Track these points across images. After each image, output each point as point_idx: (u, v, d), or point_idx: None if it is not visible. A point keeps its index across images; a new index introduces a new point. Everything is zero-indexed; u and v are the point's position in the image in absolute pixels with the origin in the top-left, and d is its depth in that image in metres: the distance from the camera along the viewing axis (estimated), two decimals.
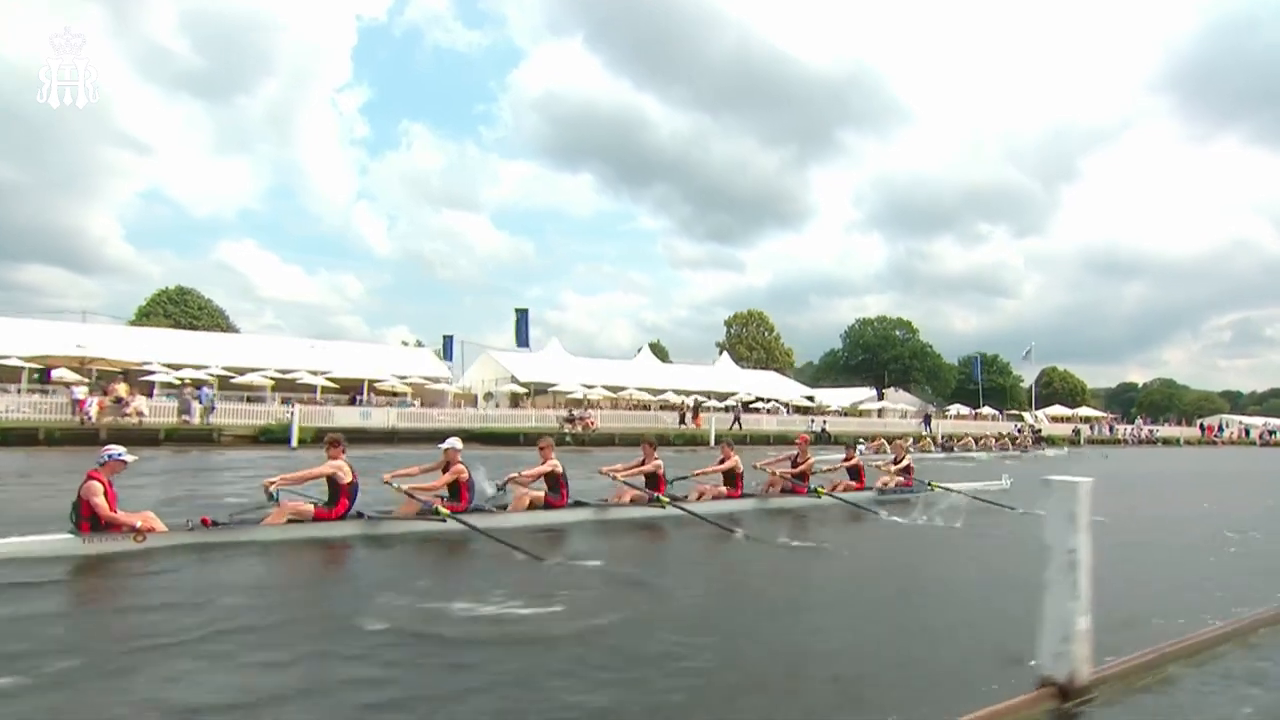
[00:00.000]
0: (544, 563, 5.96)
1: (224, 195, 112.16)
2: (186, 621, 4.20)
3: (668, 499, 8.56)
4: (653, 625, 4.51)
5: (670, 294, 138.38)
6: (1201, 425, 57.58)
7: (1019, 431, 37.31)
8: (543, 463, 7.93)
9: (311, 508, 6.68)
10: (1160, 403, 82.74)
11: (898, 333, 63.18)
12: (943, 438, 31.47)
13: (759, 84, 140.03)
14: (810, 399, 45.61)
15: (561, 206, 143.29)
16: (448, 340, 30.28)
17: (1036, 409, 56.10)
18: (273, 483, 6.50)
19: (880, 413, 44.90)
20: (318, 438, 20.81)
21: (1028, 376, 59.61)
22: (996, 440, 31.92)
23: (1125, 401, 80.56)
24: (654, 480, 8.69)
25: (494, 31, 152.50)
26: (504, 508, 7.69)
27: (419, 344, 42.19)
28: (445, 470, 7.40)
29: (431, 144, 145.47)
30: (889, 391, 59.85)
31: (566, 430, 25.08)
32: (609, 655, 3.93)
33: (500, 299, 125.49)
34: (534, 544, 6.33)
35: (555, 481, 7.99)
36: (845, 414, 41.90)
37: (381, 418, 25.04)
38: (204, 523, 6.19)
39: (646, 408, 32.68)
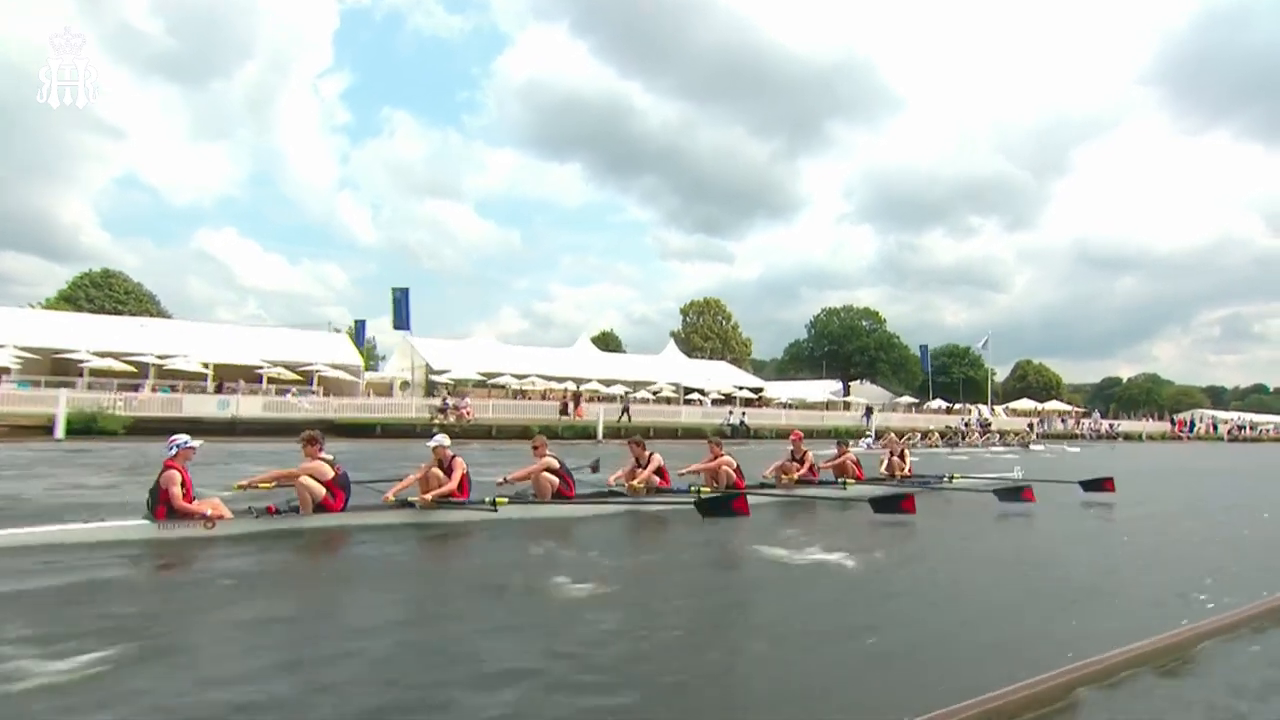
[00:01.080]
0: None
1: (203, 182, 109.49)
2: (258, 603, 4.59)
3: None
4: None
5: (659, 286, 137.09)
6: (1172, 419, 59.30)
7: (965, 425, 37.49)
8: (536, 460, 8.18)
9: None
10: (1139, 397, 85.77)
11: (864, 323, 61.40)
12: (874, 431, 31.68)
13: (747, 73, 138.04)
14: (758, 390, 45.96)
15: (549, 197, 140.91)
16: (359, 325, 28.00)
17: (1008, 402, 57.92)
18: (250, 485, 6.95)
19: (827, 405, 45.95)
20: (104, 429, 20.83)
21: (972, 368, 61.31)
22: (923, 436, 32.07)
23: (1108, 396, 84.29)
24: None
25: (477, 16, 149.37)
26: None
27: (337, 330, 39.51)
28: (442, 468, 7.66)
29: (415, 132, 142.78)
30: (856, 384, 56.95)
31: (437, 421, 22.91)
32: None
33: (487, 290, 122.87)
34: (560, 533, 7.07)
35: (556, 475, 8.31)
36: (790, 406, 42.64)
37: (247, 407, 24.64)
38: (269, 511, 6.62)
39: (533, 397, 30.21)
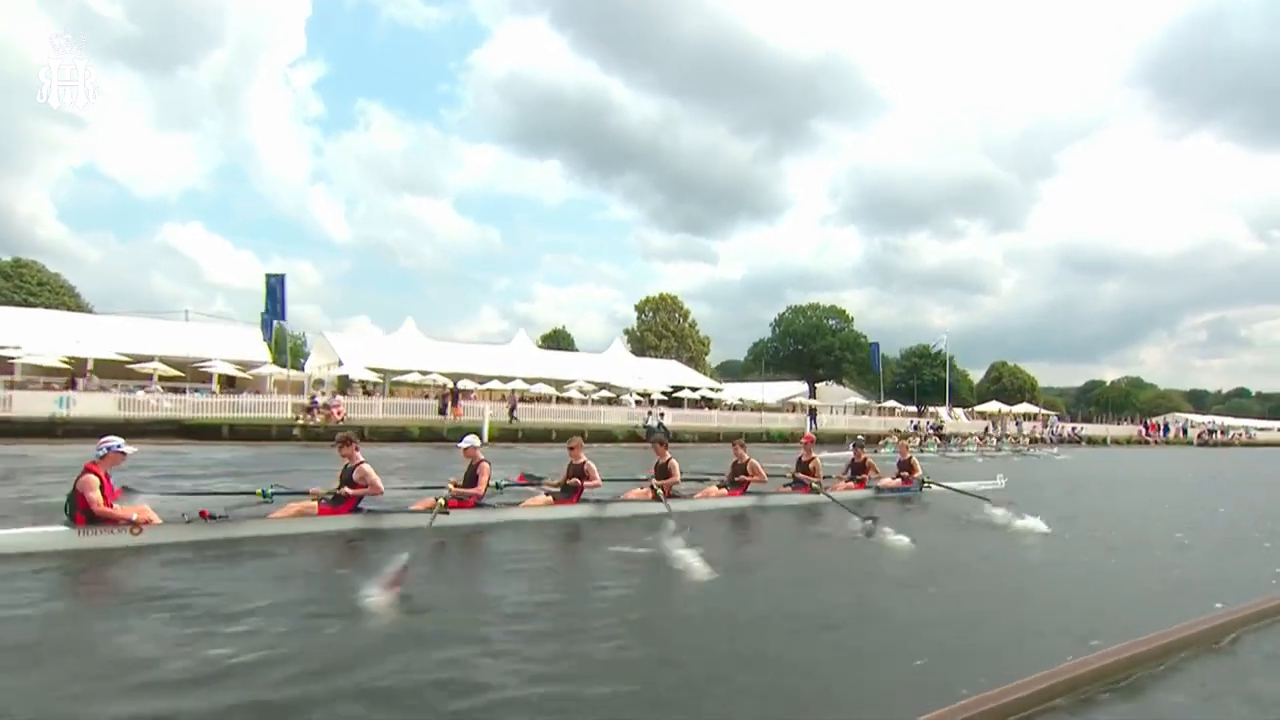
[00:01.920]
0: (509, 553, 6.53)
1: (168, 174, 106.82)
2: (185, 615, 4.38)
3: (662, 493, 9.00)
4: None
5: (643, 286, 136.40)
6: (1145, 423, 60.09)
7: (914, 429, 37.30)
8: (573, 460, 8.52)
9: (316, 505, 7.04)
10: (1119, 400, 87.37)
11: (831, 322, 59.57)
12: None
13: (729, 69, 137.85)
14: (715, 390, 45.92)
15: (529, 194, 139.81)
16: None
17: (983, 404, 58.14)
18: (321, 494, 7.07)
19: (794, 408, 45.11)
20: None
21: (943, 369, 60.34)
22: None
23: (1090, 400, 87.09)
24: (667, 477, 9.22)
25: (454, 8, 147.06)
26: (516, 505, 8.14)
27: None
28: (471, 469, 7.80)
29: (390, 125, 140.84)
30: (823, 386, 55.28)
31: (301, 421, 20.80)
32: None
33: (468, 289, 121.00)
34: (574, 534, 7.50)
35: (581, 476, 8.51)
36: (737, 408, 41.76)
37: (93, 405, 22.54)
38: (202, 515, 6.35)
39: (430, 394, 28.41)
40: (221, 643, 3.83)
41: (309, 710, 3.07)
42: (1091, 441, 45.26)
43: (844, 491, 10.66)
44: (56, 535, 5.88)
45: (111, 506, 6.03)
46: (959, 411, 49.75)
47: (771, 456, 14.15)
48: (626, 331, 59.27)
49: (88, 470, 6.01)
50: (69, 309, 42.02)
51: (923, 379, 65.00)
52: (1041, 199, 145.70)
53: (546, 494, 8.48)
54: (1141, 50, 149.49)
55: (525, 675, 3.53)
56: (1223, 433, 55.92)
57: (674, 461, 9.20)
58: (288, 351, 34.25)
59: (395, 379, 33.34)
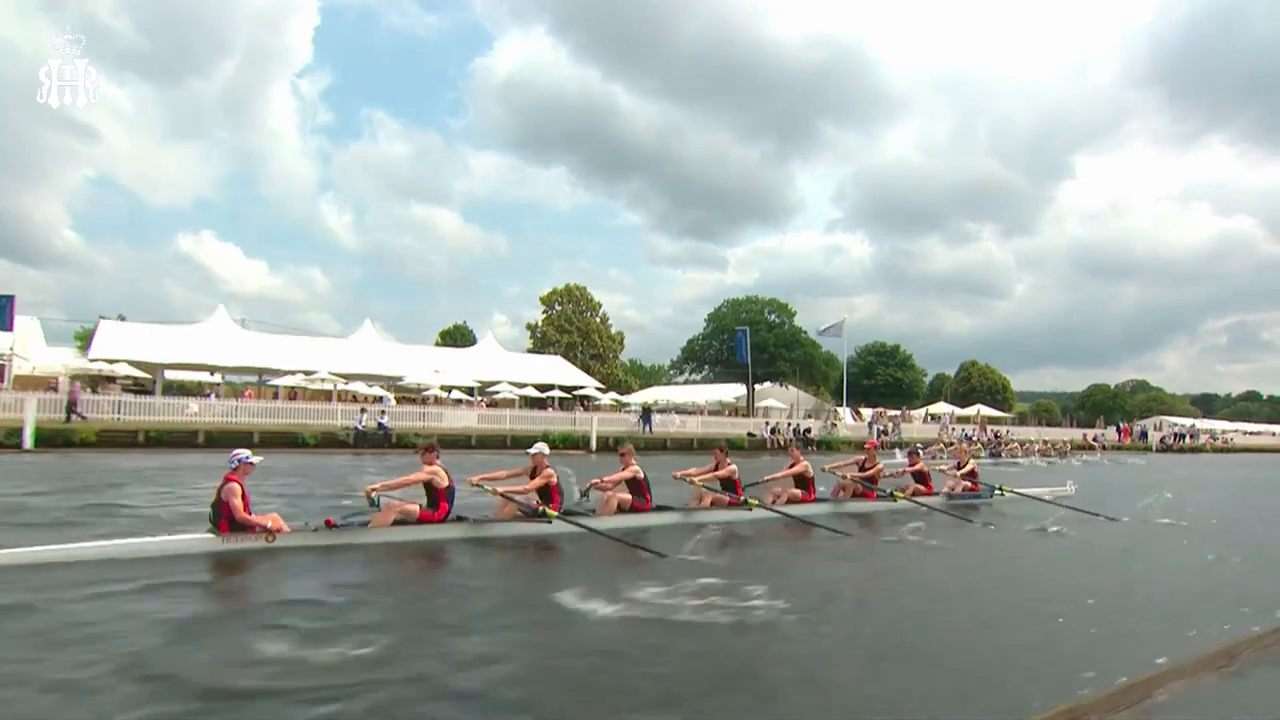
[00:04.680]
0: (669, 559, 7.04)
1: (180, 183, 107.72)
2: (318, 614, 5.08)
3: (755, 501, 9.86)
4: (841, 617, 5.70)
5: (653, 292, 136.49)
6: (1118, 427, 58.88)
7: (770, 431, 35.89)
8: (624, 469, 9.19)
9: (416, 508, 7.83)
10: (1108, 404, 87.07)
11: (771, 316, 55.57)
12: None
13: (732, 73, 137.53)
14: (602, 390, 45.01)
15: (537, 200, 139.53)
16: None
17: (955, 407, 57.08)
18: (374, 489, 7.60)
19: (731, 410, 44.61)
20: None
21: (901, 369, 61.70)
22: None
23: (1093, 406, 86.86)
24: (730, 485, 9.99)
25: (454, 14, 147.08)
26: (591, 512, 8.92)
27: None
28: (533, 474, 8.47)
29: (396, 133, 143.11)
30: (768, 386, 51.66)
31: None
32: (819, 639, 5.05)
33: (479, 296, 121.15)
34: (652, 543, 7.67)
35: (638, 487, 9.26)
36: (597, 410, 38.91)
37: None
38: (327, 524, 7.39)
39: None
40: (348, 643, 4.43)
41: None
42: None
43: (915, 498, 11.57)
44: (203, 541, 6.87)
45: (250, 514, 7.06)
46: (865, 411, 45.82)
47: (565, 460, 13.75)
48: (528, 326, 55.80)
49: (229, 480, 6.99)
50: None
51: (876, 379, 60.58)
52: (1054, 201, 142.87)
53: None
54: (1153, 50, 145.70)
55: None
56: (1192, 437, 51.58)
57: (733, 467, 10.10)
58: None
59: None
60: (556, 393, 41.83)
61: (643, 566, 6.72)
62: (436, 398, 37.47)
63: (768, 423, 37.11)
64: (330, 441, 24.65)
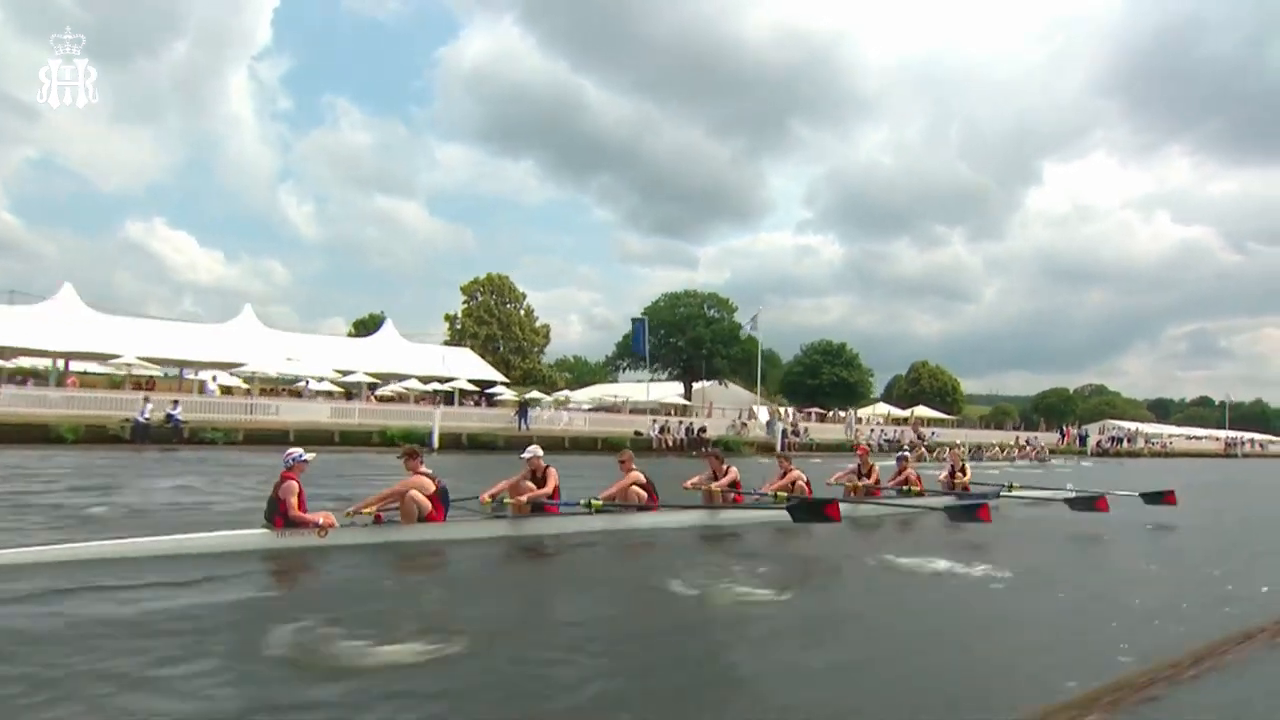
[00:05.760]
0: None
1: (130, 168, 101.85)
2: (375, 607, 5.48)
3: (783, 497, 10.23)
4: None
5: (623, 290, 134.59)
6: (1061, 431, 58.38)
7: (660, 432, 33.67)
8: (624, 476, 9.29)
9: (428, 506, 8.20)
10: (1060, 407, 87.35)
11: (710, 311, 53.71)
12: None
13: (704, 69, 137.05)
14: (496, 385, 42.47)
15: (506, 194, 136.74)
16: None
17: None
18: (354, 511, 7.58)
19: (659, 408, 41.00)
20: None
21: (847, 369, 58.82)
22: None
23: (1046, 409, 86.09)
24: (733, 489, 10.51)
25: (418, 1, 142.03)
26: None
27: None
28: (534, 477, 8.59)
29: (359, 121, 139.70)
30: (709, 386, 49.94)
31: None
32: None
33: (447, 291, 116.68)
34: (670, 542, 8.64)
35: (648, 490, 9.47)
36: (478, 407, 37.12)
37: None
38: (376, 519, 7.64)
39: None
40: (399, 637, 4.64)
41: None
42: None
43: (917, 500, 11.95)
44: (260, 536, 7.16)
45: (304, 511, 7.39)
46: (790, 412, 44.46)
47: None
48: (446, 317, 53.54)
49: (285, 478, 7.28)
50: None
51: (820, 379, 58.93)
52: (1021, 206, 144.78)
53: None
54: (1116, 61, 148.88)
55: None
56: (1129, 441, 50.78)
57: (733, 468, 10.35)
58: None
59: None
60: (466, 384, 40.05)
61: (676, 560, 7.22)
62: (316, 391, 36.00)
63: (655, 421, 34.83)
64: (98, 437, 21.47)
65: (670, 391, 53.75)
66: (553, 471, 8.61)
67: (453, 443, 27.29)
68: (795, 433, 40.25)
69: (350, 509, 7.63)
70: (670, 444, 32.66)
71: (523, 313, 57.69)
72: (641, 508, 8.95)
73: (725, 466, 10.11)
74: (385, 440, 25.82)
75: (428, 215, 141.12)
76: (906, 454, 13.30)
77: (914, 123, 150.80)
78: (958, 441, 38.70)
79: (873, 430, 43.91)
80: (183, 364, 36.46)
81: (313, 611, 5.06)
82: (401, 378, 40.76)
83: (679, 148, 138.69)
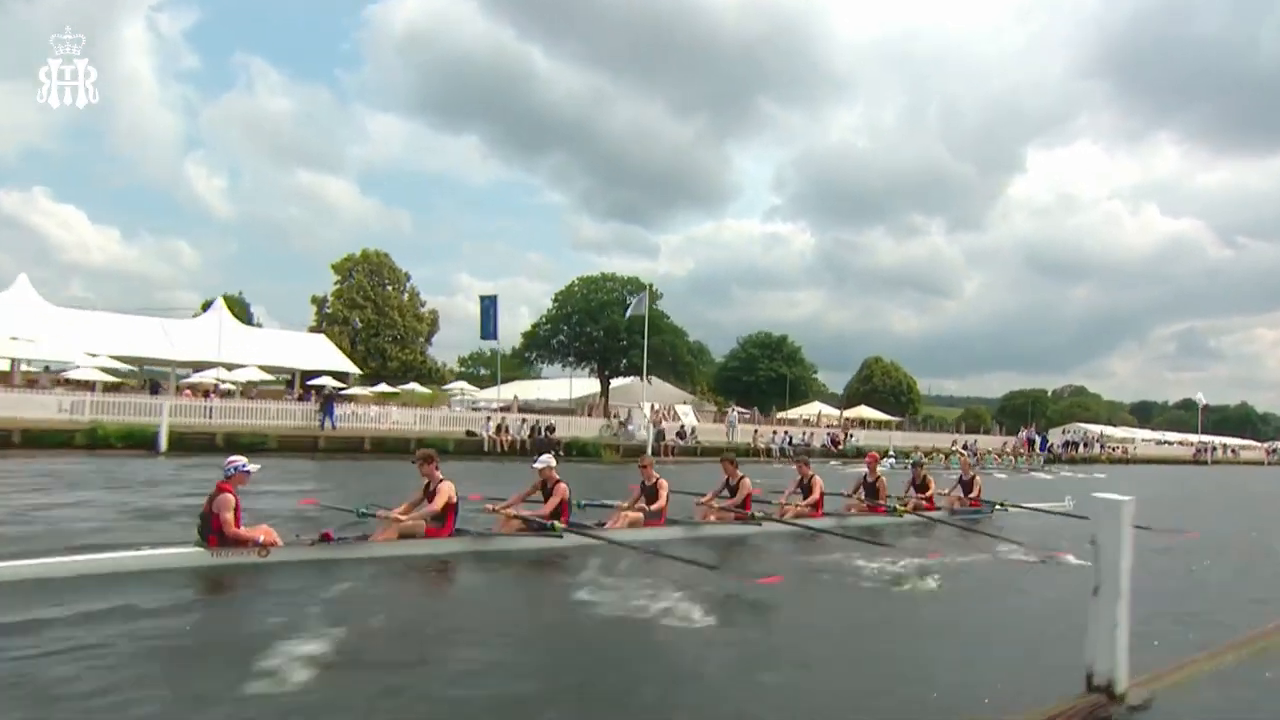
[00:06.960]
0: (717, 570, 7.17)
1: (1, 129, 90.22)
2: (320, 634, 4.93)
3: (762, 516, 10.14)
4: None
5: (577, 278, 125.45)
6: (1019, 433, 54.74)
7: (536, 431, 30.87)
8: (647, 481, 9.84)
9: (422, 524, 7.76)
10: (1025, 409, 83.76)
11: (631, 298, 47.24)
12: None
13: (665, 40, 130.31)
14: (345, 377, 37.81)
15: (448, 173, 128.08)
16: None
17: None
18: (383, 513, 7.76)
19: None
20: None
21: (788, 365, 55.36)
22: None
23: (1014, 411, 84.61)
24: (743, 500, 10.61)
25: None
26: (602, 524, 9.18)
27: None
28: (544, 490, 8.57)
29: (278, 85, 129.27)
30: (631, 383, 49.27)
31: None
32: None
33: None
34: (694, 555, 7.92)
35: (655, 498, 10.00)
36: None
37: None
38: (325, 537, 7.23)
39: None
40: (344, 663, 4.45)
41: None
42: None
43: (920, 513, 12.01)
44: (191, 555, 6.63)
45: (240, 527, 6.92)
46: (685, 410, 39.24)
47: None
48: (313, 299, 47.24)
49: (221, 490, 6.76)
50: None
51: (757, 375, 53.21)
52: (1003, 195, 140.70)
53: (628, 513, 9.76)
54: (1102, 40, 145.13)
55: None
56: (1086, 445, 46.65)
57: (745, 480, 10.22)
58: None
59: None
60: (329, 380, 35.04)
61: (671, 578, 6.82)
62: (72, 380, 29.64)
63: (489, 419, 29.64)
64: None
65: (595, 388, 50.57)
66: (562, 487, 8.41)
67: (206, 443, 20.95)
68: (681, 435, 36.67)
69: (489, 506, 8.15)
70: (505, 446, 29.04)
71: (405, 296, 53.22)
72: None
73: (740, 474, 10.18)
74: (95, 441, 19.39)
75: (359, 193, 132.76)
76: (922, 462, 13.33)
77: (890, 103, 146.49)
78: (890, 447, 35.98)
79: (774, 433, 38.99)
80: None
81: (238, 640, 4.69)
82: (231, 367, 35.94)
83: (637, 125, 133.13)
